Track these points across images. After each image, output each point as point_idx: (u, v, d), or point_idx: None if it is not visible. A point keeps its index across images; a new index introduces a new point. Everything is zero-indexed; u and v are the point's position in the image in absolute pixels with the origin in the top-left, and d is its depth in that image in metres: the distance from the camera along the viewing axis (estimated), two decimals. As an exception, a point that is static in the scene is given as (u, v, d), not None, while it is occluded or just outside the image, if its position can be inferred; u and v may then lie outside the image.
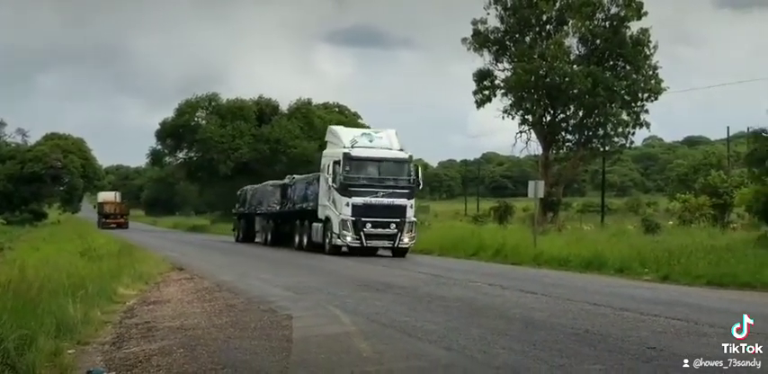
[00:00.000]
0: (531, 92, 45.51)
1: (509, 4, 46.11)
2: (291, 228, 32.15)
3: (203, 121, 68.95)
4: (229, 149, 65.33)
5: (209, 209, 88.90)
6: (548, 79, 44.31)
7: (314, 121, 69.50)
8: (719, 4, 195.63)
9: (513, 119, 46.61)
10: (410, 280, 17.75)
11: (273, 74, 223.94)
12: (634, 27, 44.91)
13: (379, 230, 25.99)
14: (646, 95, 45.26)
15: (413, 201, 26.84)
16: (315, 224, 28.25)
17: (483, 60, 47.26)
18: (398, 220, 25.94)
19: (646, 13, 44.64)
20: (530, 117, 46.11)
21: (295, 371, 7.67)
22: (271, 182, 38.22)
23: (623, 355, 8.34)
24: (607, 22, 45.16)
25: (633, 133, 46.49)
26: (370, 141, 27.43)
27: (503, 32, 46.61)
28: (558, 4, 45.57)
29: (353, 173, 26.20)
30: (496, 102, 47.04)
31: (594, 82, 43.31)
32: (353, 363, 8.04)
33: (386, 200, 25.99)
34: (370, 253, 26.48)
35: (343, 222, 25.86)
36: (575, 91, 44.35)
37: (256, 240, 37.97)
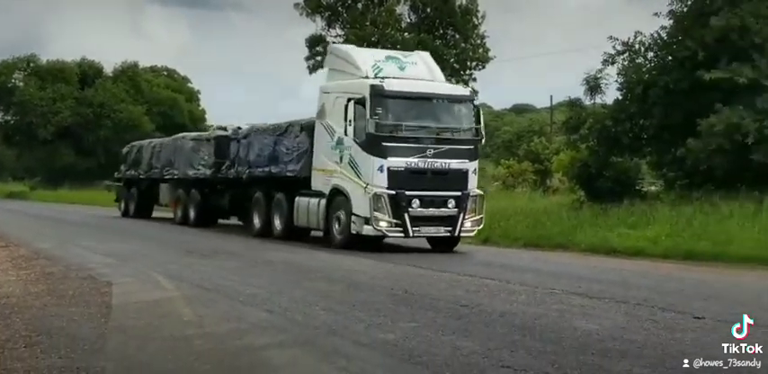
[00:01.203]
0: (362, 59, 45.72)
1: (341, -30, 46.09)
2: (238, 203, 22.42)
3: (21, 83, 65.75)
4: (49, 113, 62.69)
5: (27, 174, 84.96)
6: (379, 46, 44.68)
7: (141, 85, 67.66)
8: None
9: (345, 85, 46.67)
10: (237, 246, 17.76)
11: (97, 34, 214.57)
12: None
13: (432, 210, 16.54)
14: (474, 64, 46.51)
15: (476, 164, 17.42)
16: (302, 199, 18.27)
17: (315, 26, 47.12)
18: (459, 194, 16.65)
19: (474, -17, 45.65)
20: (362, 83, 46.38)
21: (113, 337, 7.56)
22: (191, 134, 28.93)
23: (437, 313, 8.72)
24: (437, -9, 45.87)
25: (462, 101, 47.52)
26: (401, 69, 17.83)
27: (335, -2, 46.58)
28: (389, -28, 45.94)
29: (387, 118, 16.43)
30: (329, 68, 47.03)
31: (425, 50, 44.00)
32: (174, 327, 8.03)
33: (439, 163, 16.54)
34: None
35: (377, 198, 16.01)
36: (405, 58, 44.86)
37: (157, 215, 29.09)
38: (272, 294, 10.01)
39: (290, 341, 7.50)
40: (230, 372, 6.54)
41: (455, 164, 16.68)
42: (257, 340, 7.52)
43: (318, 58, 46.99)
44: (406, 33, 45.40)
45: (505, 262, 14.81)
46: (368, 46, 44.14)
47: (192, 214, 25.10)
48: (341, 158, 17.00)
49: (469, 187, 16.91)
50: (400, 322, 8.18)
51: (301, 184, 18.60)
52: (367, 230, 16.21)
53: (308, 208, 17.98)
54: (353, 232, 16.46)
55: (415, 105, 16.91)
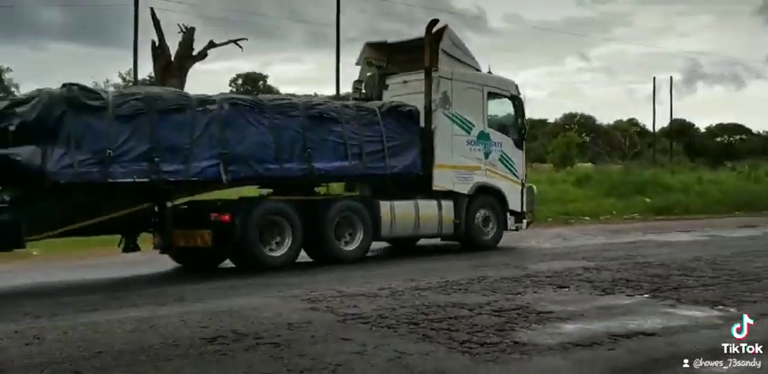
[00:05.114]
0: None
1: None
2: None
3: None
4: None
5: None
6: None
7: None
8: None
9: None
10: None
11: None
12: None
13: None
14: None
15: None
16: (405, 203, 14.87)
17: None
18: None
19: None
20: None
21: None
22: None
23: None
24: None
25: None
26: None
27: None
28: None
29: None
30: None
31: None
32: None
33: None
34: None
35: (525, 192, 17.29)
36: None
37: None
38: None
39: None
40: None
41: None
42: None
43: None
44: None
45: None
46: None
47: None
48: (486, 154, 16.36)
49: None
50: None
51: (402, 184, 15.48)
52: (519, 226, 16.97)
53: (431, 211, 15.20)
54: (511, 229, 16.83)
55: None
